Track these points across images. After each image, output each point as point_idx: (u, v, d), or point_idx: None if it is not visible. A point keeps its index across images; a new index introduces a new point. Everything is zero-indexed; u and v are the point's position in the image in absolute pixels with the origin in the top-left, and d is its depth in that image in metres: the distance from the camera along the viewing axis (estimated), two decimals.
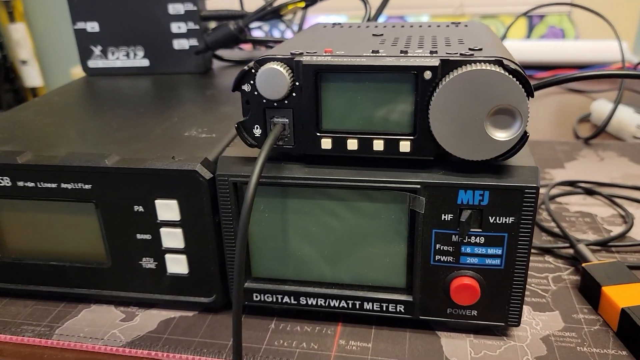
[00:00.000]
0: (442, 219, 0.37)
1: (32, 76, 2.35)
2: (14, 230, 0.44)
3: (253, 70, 0.36)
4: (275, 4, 0.60)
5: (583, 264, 0.45)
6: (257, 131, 0.37)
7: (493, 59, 0.33)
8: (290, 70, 0.35)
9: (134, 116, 0.51)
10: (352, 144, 0.36)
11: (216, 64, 0.70)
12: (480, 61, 0.33)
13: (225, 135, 0.45)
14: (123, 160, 0.40)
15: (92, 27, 0.63)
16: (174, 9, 0.62)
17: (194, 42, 0.63)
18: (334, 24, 0.52)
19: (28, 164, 0.41)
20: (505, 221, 0.36)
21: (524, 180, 0.35)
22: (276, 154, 0.39)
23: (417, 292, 0.39)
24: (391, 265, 0.40)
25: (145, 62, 0.64)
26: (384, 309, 0.40)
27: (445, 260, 0.38)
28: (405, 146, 0.36)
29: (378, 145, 0.36)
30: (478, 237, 0.37)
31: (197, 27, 0.62)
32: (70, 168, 0.40)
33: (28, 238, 0.44)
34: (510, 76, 0.33)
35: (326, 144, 0.37)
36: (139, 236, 0.42)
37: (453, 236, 0.37)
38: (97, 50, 0.64)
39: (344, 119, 0.36)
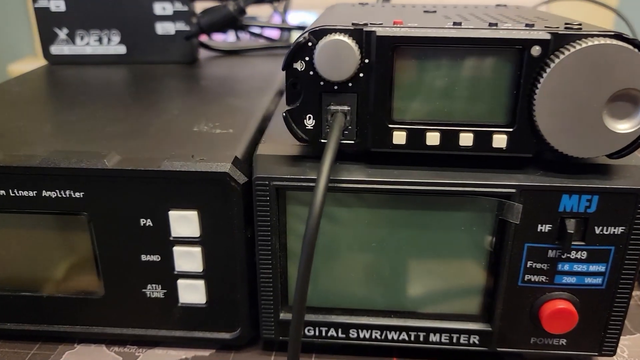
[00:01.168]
0: (538, 230, 0.30)
1: None
2: None
3: (310, 44, 0.28)
4: None
5: None
6: (310, 122, 0.30)
7: (612, 33, 0.27)
8: (357, 45, 0.28)
9: (121, 108, 0.42)
10: (433, 138, 0.29)
11: (201, 54, 0.61)
12: (599, 35, 0.27)
13: (243, 131, 0.37)
14: (127, 161, 0.31)
15: (57, 5, 0.53)
16: None
17: (181, 25, 0.53)
18: (361, 3, 0.45)
19: None
20: (614, 232, 0.30)
21: (639, 182, 0.29)
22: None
23: (497, 320, 0.32)
24: (466, 288, 0.33)
25: (122, 49, 0.55)
26: (454, 340, 0.33)
27: (537, 280, 0.31)
28: (500, 141, 0.29)
29: (466, 139, 0.29)
30: (580, 252, 0.30)
31: (185, 8, 0.53)
32: (56, 171, 0.31)
33: None
34: None
35: (399, 138, 0.29)
36: (144, 257, 0.33)
37: (549, 251, 0.30)
38: (62, 33, 0.54)
39: (423, 107, 0.29)
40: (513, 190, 0.29)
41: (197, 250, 0.32)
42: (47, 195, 0.32)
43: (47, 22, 0.54)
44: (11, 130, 0.37)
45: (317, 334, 0.34)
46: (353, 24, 0.28)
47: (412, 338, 0.33)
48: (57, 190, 0.32)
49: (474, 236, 0.31)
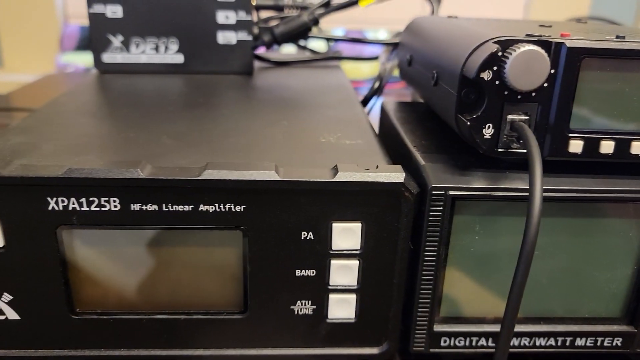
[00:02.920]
0: None
1: None
2: (109, 273, 0.31)
3: (500, 54, 0.28)
4: None
5: None
6: (488, 131, 0.30)
7: None
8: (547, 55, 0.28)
9: (224, 119, 0.40)
10: (607, 147, 0.30)
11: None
12: None
13: (370, 141, 0.36)
14: (295, 172, 0.30)
15: (114, 11, 0.50)
16: None
17: (243, 35, 0.52)
18: (449, 17, 0.45)
19: (154, 178, 0.29)
20: None
21: None
22: (482, 160, 0.31)
23: None
24: (613, 292, 0.34)
25: (179, 58, 0.53)
26: (598, 343, 0.34)
27: None
28: None
29: (638, 147, 0.30)
30: None
31: (249, 17, 0.52)
32: (220, 183, 0.29)
33: (130, 282, 0.32)
34: None
35: (575, 146, 0.30)
36: (298, 272, 0.32)
37: None
38: (117, 41, 0.51)
39: (600, 117, 0.30)
40: None
41: (354, 263, 0.32)
42: (204, 209, 0.30)
43: (101, 28, 0.51)
44: (127, 141, 0.35)
45: (466, 344, 0.34)
46: (528, 35, 0.29)
47: (559, 343, 0.34)
48: (216, 204, 0.30)
49: (629, 242, 0.32)
